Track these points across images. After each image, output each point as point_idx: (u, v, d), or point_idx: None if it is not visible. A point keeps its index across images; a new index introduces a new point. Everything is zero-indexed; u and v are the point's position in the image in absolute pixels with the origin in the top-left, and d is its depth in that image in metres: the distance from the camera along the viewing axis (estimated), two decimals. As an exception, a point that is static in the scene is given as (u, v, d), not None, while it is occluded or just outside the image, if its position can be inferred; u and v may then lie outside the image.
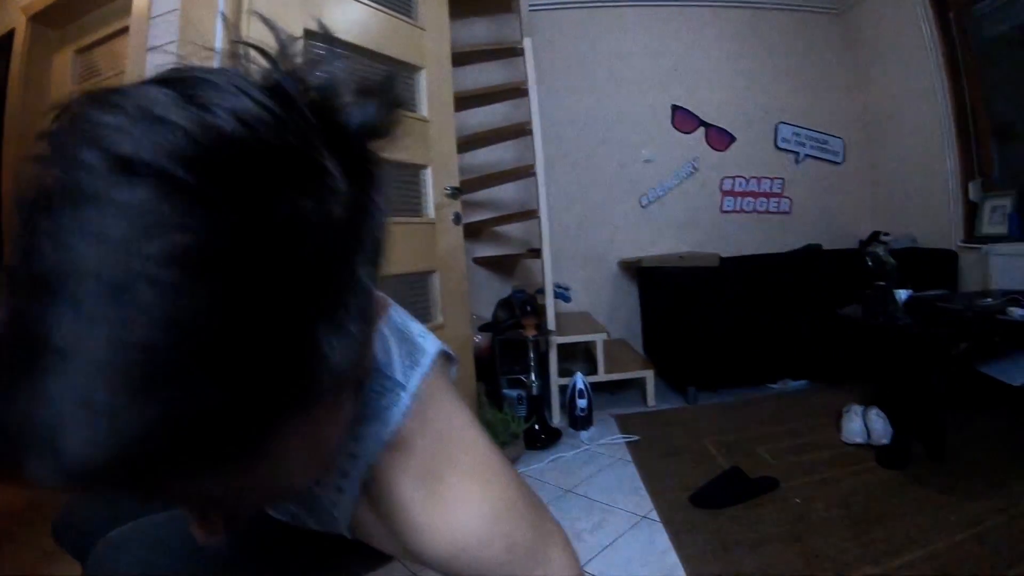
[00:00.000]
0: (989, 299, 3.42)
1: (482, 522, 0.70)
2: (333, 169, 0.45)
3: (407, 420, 0.71)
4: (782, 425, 3.71)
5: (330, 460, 0.69)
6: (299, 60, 0.48)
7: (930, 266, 4.63)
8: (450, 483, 0.71)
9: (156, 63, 2.56)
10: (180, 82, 0.42)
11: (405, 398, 0.72)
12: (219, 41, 2.42)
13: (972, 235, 4.67)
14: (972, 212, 4.71)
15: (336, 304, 0.45)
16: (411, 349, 0.78)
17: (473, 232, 4.81)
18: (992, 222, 4.50)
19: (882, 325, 3.33)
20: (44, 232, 0.37)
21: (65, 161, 0.38)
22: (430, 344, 0.81)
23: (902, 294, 3.35)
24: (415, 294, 3.23)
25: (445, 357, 0.83)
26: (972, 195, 4.69)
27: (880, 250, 3.60)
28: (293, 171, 0.42)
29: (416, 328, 0.83)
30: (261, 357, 0.39)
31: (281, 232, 0.40)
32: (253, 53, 0.48)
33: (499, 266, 5.10)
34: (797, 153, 5.75)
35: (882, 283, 3.43)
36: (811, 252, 5.40)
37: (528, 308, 3.86)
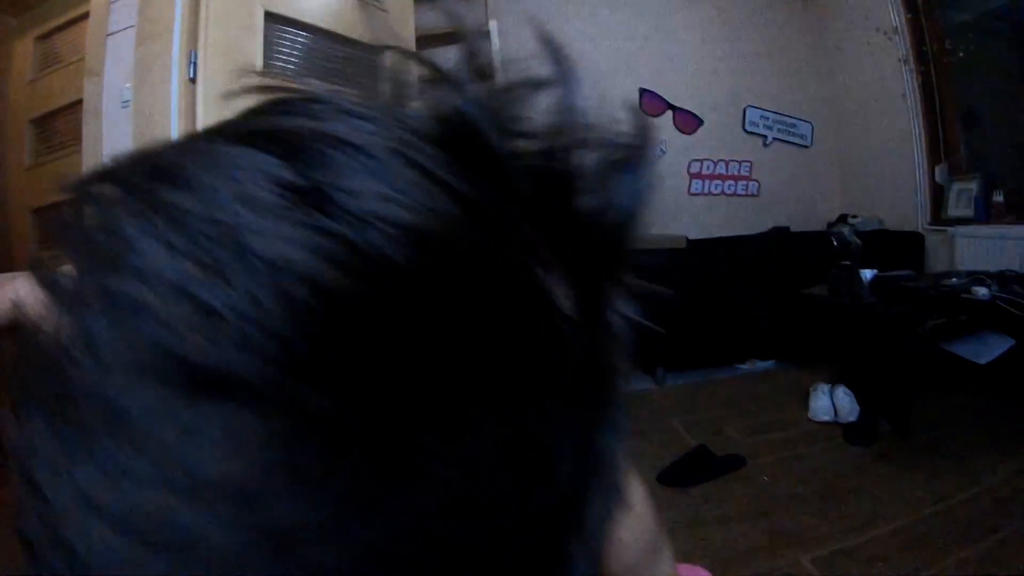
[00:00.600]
0: (954, 279, 3.45)
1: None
2: (561, 298, 0.27)
3: None
4: (750, 404, 3.74)
5: None
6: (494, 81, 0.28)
7: (897, 248, 4.67)
8: None
9: (117, 47, 2.54)
10: (292, 152, 0.24)
11: None
12: (177, 29, 2.41)
13: (939, 218, 4.73)
14: (938, 195, 4.76)
15: None
16: None
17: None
18: (958, 205, 4.56)
19: (848, 304, 3.35)
20: None
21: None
22: None
23: (867, 274, 3.38)
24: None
25: None
26: (938, 178, 4.74)
27: (845, 230, 3.64)
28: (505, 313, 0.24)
29: None
30: None
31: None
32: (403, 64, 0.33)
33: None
34: (765, 136, 5.77)
35: (847, 263, 3.45)
36: (779, 234, 5.42)
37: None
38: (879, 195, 5.36)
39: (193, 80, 2.22)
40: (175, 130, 2.18)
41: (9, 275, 0.76)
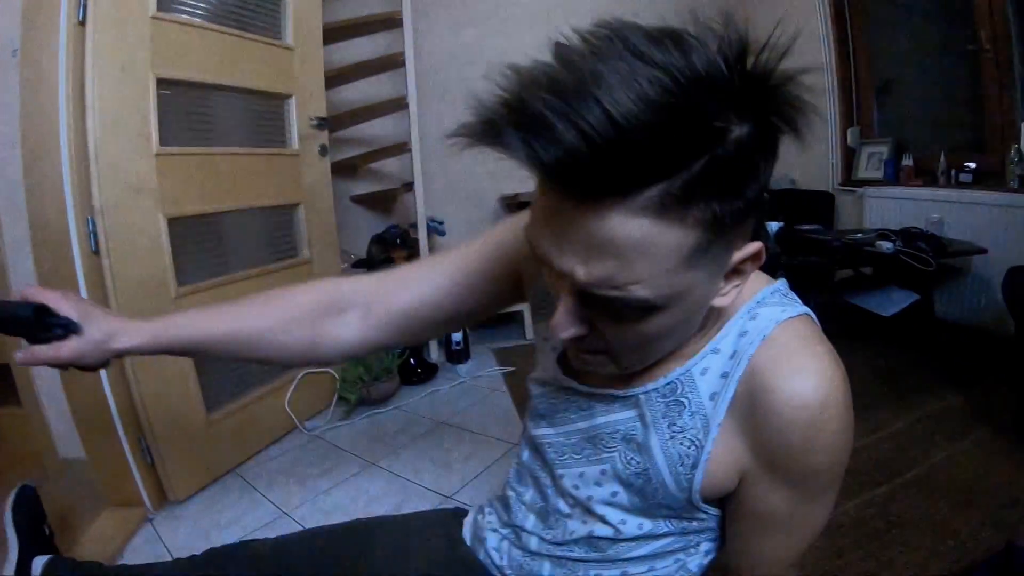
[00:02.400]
0: (860, 234, 3.51)
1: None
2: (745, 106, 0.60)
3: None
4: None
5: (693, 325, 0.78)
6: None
7: (808, 206, 4.79)
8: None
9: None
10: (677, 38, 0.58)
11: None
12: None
13: (849, 179, 4.84)
14: (850, 157, 4.88)
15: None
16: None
17: (349, 170, 4.68)
18: (869, 167, 4.68)
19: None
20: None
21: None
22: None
23: (773, 226, 3.42)
24: (279, 228, 3.11)
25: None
26: (851, 141, 4.85)
27: (752, 185, 3.67)
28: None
29: None
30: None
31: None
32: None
33: (377, 204, 4.95)
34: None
35: (754, 215, 3.48)
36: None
37: (398, 242, 3.77)
38: (792, 156, 5.39)
39: (82, 23, 2.10)
40: (63, 74, 2.07)
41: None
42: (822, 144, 5.02)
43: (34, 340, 0.98)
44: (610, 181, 0.57)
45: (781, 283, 0.86)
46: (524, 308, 4.49)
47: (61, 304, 0.98)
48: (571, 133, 0.52)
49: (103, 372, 2.20)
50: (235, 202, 2.78)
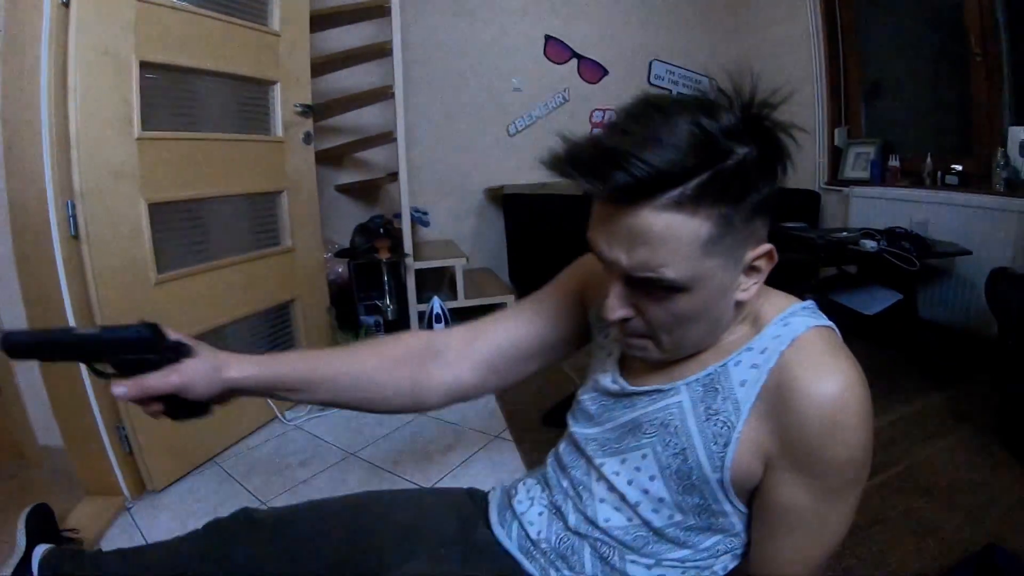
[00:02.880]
0: (845, 232, 3.53)
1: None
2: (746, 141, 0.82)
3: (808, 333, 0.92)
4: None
5: (719, 319, 0.95)
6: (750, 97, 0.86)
7: (794, 204, 4.81)
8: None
9: None
10: (708, 104, 0.82)
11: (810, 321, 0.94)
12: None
13: (836, 178, 4.89)
14: (837, 157, 4.93)
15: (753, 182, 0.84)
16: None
17: (335, 159, 4.69)
18: (855, 167, 4.73)
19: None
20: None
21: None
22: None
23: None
24: (262, 216, 3.10)
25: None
26: (838, 141, 4.91)
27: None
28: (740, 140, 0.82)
29: None
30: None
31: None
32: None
33: (363, 193, 4.95)
34: (670, 91, 5.77)
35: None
36: (678, 185, 5.46)
37: (382, 231, 3.76)
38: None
39: (66, 5, 2.08)
40: (45, 57, 2.05)
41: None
42: (808, 142, 5.04)
43: (131, 367, 0.97)
44: (643, 190, 0.78)
45: (810, 302, 0.99)
46: (508, 300, 4.51)
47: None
48: (620, 176, 0.76)
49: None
50: (218, 188, 2.77)
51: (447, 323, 3.94)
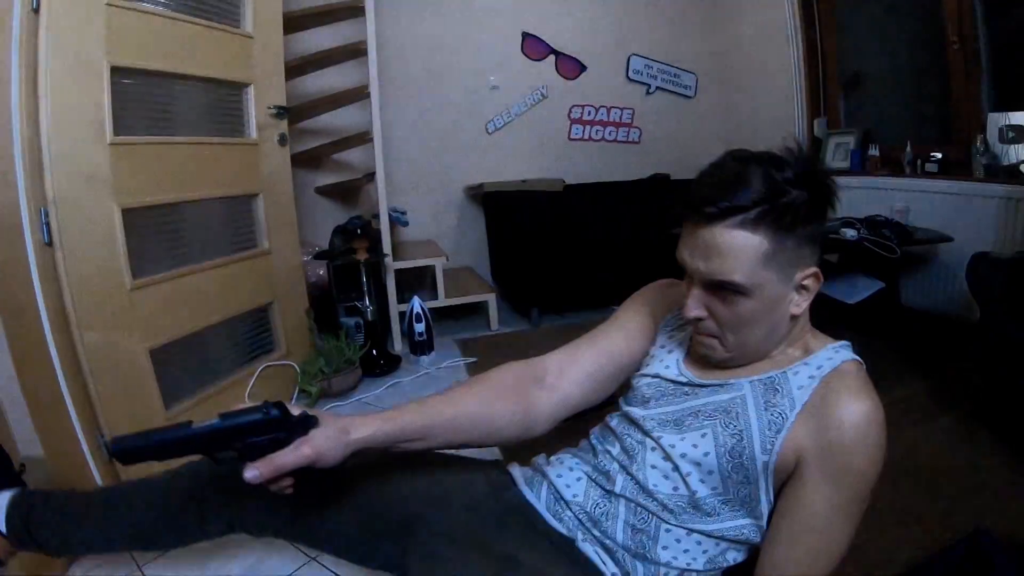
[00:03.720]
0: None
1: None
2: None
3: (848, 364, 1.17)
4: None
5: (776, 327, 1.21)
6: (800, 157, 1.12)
7: None
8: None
9: None
10: (775, 158, 1.12)
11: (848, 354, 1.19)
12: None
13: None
14: (817, 148, 4.96)
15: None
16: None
17: (314, 161, 4.69)
18: (836, 157, 4.79)
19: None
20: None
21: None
22: None
23: (735, 213, 3.45)
24: (238, 219, 3.10)
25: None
26: (817, 131, 4.97)
27: (713, 169, 3.71)
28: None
29: None
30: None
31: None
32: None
33: (343, 195, 4.96)
34: (648, 85, 5.85)
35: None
36: (658, 181, 5.53)
37: (359, 232, 3.76)
38: (759, 146, 5.45)
39: (36, 10, 2.07)
40: (15, 62, 2.04)
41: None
42: (788, 135, 5.07)
43: (256, 449, 0.98)
44: (722, 216, 1.09)
45: (847, 343, 1.23)
46: (489, 298, 4.54)
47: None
48: (712, 209, 1.09)
49: (57, 363, 2.18)
50: (192, 192, 2.76)
51: (428, 323, 3.94)
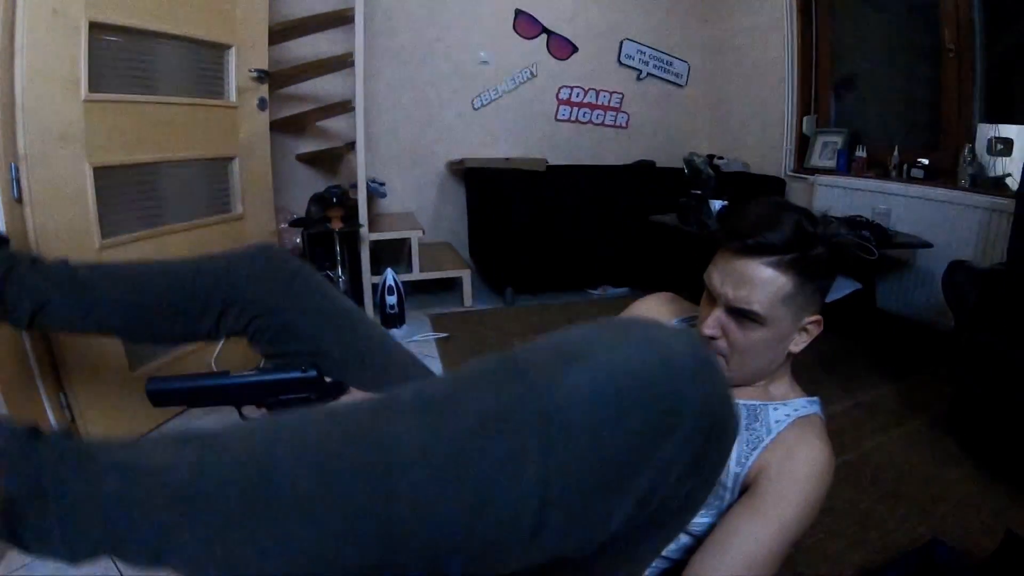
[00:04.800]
0: (806, 220, 3.58)
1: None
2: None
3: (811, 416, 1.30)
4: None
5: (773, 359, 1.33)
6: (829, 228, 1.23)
7: (759, 190, 4.89)
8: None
9: None
10: (809, 213, 1.25)
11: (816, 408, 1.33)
12: None
13: (802, 166, 4.98)
14: (804, 145, 5.01)
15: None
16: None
17: (297, 128, 4.67)
18: (822, 156, 4.83)
19: (695, 232, 3.42)
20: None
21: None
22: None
23: (716, 204, 3.48)
24: (212, 182, 3.09)
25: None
26: (806, 129, 5.00)
27: (697, 159, 3.71)
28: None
29: None
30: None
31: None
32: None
33: (323, 163, 4.93)
34: (639, 71, 5.84)
35: (698, 192, 3.52)
36: (643, 167, 5.57)
37: (335, 201, 3.75)
38: (747, 140, 5.60)
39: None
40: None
41: None
42: (776, 130, 5.12)
43: (282, 407, 1.00)
44: (759, 252, 1.21)
45: (818, 399, 1.36)
46: (464, 275, 4.57)
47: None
48: (751, 241, 1.20)
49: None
50: (166, 153, 2.75)
51: (400, 296, 3.95)
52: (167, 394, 1.02)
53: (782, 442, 1.23)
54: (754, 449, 1.24)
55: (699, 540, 1.23)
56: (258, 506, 0.65)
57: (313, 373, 1.00)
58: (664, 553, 1.27)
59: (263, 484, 0.65)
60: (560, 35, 5.51)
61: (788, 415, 1.29)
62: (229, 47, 3.03)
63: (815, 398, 1.36)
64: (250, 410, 1.06)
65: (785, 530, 1.14)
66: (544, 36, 5.47)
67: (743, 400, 1.31)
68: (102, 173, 2.41)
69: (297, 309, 1.52)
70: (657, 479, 0.68)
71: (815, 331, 1.32)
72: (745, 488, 1.22)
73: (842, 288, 3.37)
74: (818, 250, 1.22)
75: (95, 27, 2.33)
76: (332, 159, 4.89)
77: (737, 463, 1.23)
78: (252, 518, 0.65)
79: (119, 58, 2.56)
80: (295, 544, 0.63)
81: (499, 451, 0.62)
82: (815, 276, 1.24)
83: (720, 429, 0.72)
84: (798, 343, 1.32)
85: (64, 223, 2.28)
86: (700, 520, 1.25)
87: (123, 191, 2.61)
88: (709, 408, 0.69)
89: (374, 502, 0.63)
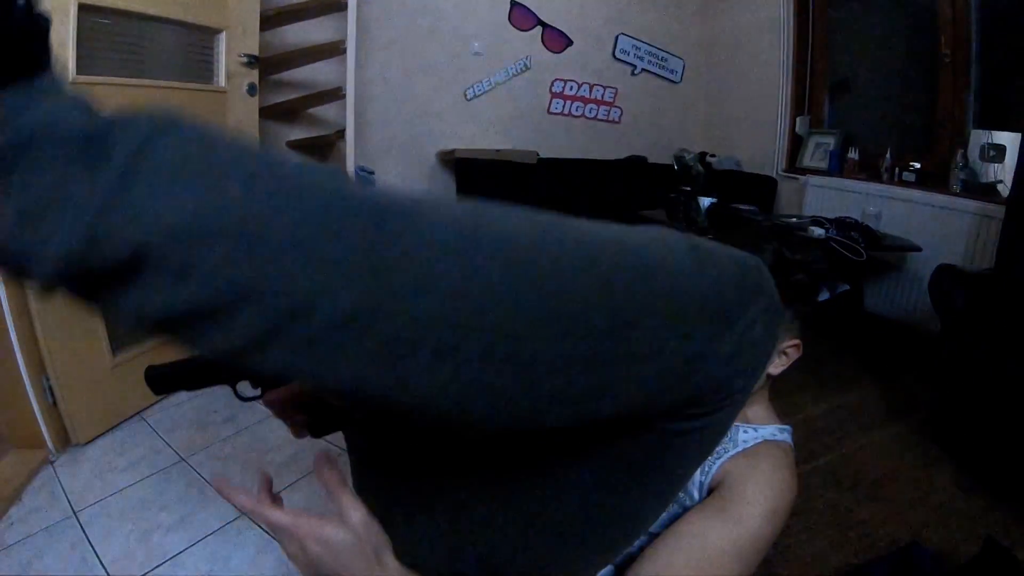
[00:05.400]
0: (795, 219, 3.61)
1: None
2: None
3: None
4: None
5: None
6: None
7: (750, 188, 4.90)
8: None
9: None
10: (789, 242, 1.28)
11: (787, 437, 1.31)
12: None
13: (794, 166, 5.01)
14: (796, 145, 5.04)
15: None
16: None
17: (289, 115, 4.65)
18: (815, 157, 4.86)
19: (682, 228, 3.44)
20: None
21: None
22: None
23: (705, 201, 3.49)
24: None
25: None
26: (799, 129, 5.03)
27: (687, 156, 3.73)
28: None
29: None
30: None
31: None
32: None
33: (314, 150, 4.88)
34: (634, 66, 5.84)
35: (687, 188, 3.54)
36: (634, 163, 5.56)
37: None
38: (740, 138, 5.63)
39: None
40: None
41: None
42: (769, 129, 5.14)
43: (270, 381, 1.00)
44: None
45: (790, 427, 1.34)
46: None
47: None
48: None
49: (6, 307, 2.18)
50: (154, 138, 2.73)
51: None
52: (166, 378, 1.02)
53: (747, 454, 1.26)
54: (719, 459, 1.25)
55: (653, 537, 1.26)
56: None
57: None
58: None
59: None
60: (555, 28, 5.50)
61: (756, 438, 1.30)
62: (220, 31, 3.03)
63: (787, 427, 1.37)
64: (244, 387, 1.06)
65: (742, 530, 1.13)
66: (539, 28, 5.46)
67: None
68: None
69: None
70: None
71: (794, 355, 1.32)
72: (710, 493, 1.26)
73: (830, 288, 3.39)
74: (798, 276, 1.25)
75: (84, 8, 2.33)
76: (323, 147, 4.87)
77: (702, 472, 1.26)
78: None
79: (108, 41, 2.56)
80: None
81: None
82: (794, 301, 1.26)
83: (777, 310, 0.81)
84: (777, 366, 1.32)
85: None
86: (666, 514, 1.26)
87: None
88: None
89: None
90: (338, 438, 1.46)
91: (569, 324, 0.50)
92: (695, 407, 0.69)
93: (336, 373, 0.45)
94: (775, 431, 1.32)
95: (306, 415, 1.02)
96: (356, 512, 0.82)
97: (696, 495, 1.25)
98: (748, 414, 1.36)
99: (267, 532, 2.05)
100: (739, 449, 1.26)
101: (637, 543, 1.21)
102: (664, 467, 0.80)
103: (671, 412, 0.69)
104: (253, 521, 0.88)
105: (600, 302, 0.52)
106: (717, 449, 1.25)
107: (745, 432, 1.31)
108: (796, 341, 1.30)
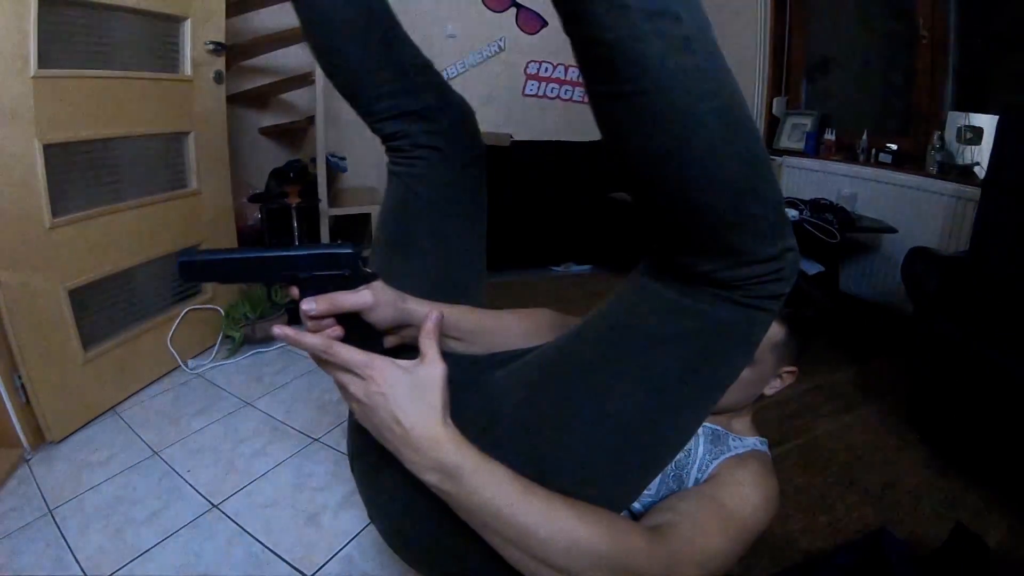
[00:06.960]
0: (770, 200, 3.64)
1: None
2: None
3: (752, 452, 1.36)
4: (557, 304, 3.86)
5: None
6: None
7: None
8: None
9: None
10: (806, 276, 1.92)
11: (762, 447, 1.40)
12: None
13: (770, 147, 5.02)
14: (773, 126, 5.08)
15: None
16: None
17: (260, 101, 4.65)
18: (791, 138, 4.89)
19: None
20: None
21: None
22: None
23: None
24: (167, 157, 3.10)
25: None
26: (775, 110, 5.07)
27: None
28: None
29: None
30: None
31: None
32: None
33: (286, 137, 4.90)
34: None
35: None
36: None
37: (291, 176, 3.75)
38: None
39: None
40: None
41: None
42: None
43: (316, 286, 1.00)
44: None
45: (767, 440, 1.43)
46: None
47: None
48: None
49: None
50: (120, 129, 2.76)
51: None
52: (200, 266, 0.99)
53: (738, 459, 1.33)
54: (715, 459, 1.33)
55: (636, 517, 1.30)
56: None
57: (349, 249, 1.00)
58: None
59: None
60: (530, 9, 5.48)
61: (744, 447, 1.37)
62: (184, 19, 3.03)
63: (765, 439, 1.45)
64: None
65: (729, 518, 1.18)
66: (513, 9, 5.43)
67: (709, 423, 1.41)
68: (53, 150, 2.42)
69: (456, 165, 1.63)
70: None
71: (789, 379, 1.43)
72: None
73: (805, 269, 3.44)
74: (809, 312, 1.35)
75: (46, 1, 2.32)
76: (297, 132, 4.87)
77: (698, 470, 1.32)
78: None
79: (70, 32, 2.56)
80: None
81: None
82: (800, 332, 1.36)
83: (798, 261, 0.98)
84: (772, 387, 1.43)
85: (13, 202, 2.30)
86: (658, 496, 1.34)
87: (75, 168, 2.62)
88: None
89: None
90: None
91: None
92: (744, 267, 0.91)
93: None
94: (757, 443, 1.40)
95: (344, 328, 1.03)
96: (438, 365, 0.98)
97: (690, 483, 1.32)
98: (736, 426, 1.45)
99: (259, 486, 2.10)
100: (731, 454, 1.33)
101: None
102: (724, 353, 1.03)
103: (729, 279, 0.92)
104: (322, 368, 0.87)
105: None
106: (713, 450, 1.34)
107: (735, 440, 1.38)
108: (793, 368, 1.41)
